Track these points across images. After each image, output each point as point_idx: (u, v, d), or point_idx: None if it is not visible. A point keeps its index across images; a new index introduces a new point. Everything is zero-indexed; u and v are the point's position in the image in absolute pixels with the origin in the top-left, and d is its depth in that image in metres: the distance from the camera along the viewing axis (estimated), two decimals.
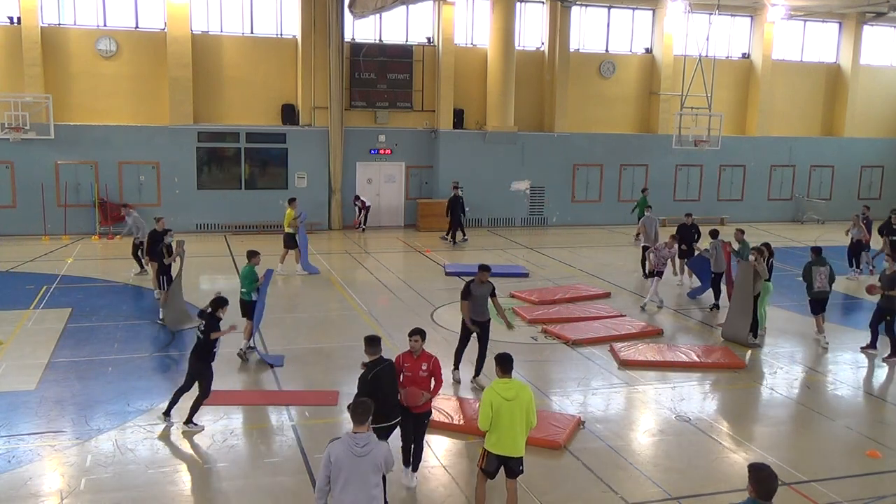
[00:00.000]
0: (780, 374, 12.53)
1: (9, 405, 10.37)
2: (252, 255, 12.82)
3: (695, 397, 11.57)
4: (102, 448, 9.20)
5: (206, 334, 9.64)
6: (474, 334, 11.40)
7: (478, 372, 11.54)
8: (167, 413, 9.83)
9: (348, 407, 6.32)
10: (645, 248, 18.56)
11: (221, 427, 9.82)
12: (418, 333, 8.32)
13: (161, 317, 14.47)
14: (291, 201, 19.36)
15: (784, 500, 8.42)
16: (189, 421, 9.66)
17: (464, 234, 23.89)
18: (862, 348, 13.65)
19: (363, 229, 25.39)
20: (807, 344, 14.25)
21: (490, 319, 11.50)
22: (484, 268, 11.36)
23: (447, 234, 23.93)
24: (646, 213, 19.76)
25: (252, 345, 12.53)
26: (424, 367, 8.22)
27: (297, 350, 13.08)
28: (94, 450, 9.15)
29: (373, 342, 7.93)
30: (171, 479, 8.54)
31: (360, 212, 25.57)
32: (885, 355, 13.13)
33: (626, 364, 12.63)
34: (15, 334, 13.53)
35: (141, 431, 9.66)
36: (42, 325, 14.09)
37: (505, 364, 7.40)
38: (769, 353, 13.45)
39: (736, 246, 15.77)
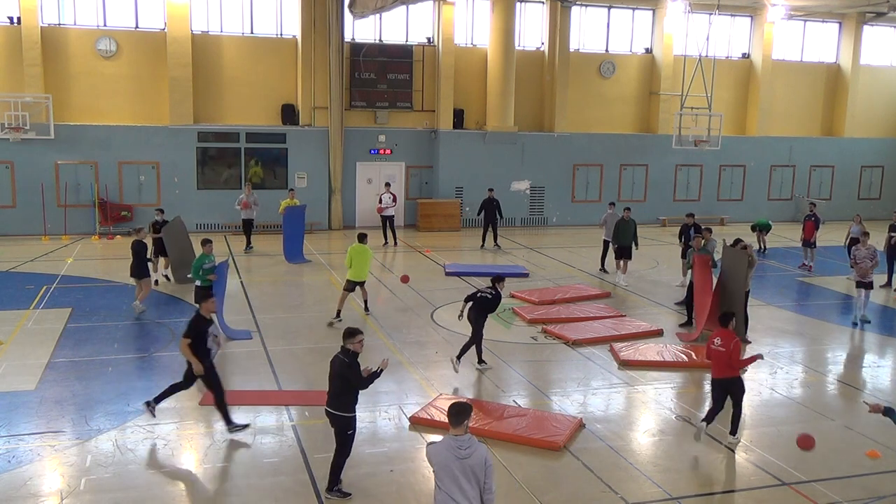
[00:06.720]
0: (780, 374, 12.53)
1: (9, 405, 10.37)
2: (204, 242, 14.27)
3: (695, 397, 11.58)
4: (102, 448, 9.20)
5: None
6: None
7: None
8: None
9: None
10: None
11: (221, 427, 9.81)
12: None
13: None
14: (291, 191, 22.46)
15: (784, 500, 8.44)
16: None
17: (495, 240, 22.55)
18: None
19: (385, 243, 22.96)
20: (807, 344, 14.27)
21: None
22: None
23: (485, 241, 22.73)
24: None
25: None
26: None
27: (297, 350, 13.09)
28: (94, 450, 9.15)
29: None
30: (171, 479, 8.55)
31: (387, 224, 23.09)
32: None
33: (626, 364, 12.64)
34: (15, 334, 13.53)
35: (141, 431, 9.66)
36: (42, 325, 14.08)
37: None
38: (769, 353, 13.42)
39: (714, 246, 15.84)
